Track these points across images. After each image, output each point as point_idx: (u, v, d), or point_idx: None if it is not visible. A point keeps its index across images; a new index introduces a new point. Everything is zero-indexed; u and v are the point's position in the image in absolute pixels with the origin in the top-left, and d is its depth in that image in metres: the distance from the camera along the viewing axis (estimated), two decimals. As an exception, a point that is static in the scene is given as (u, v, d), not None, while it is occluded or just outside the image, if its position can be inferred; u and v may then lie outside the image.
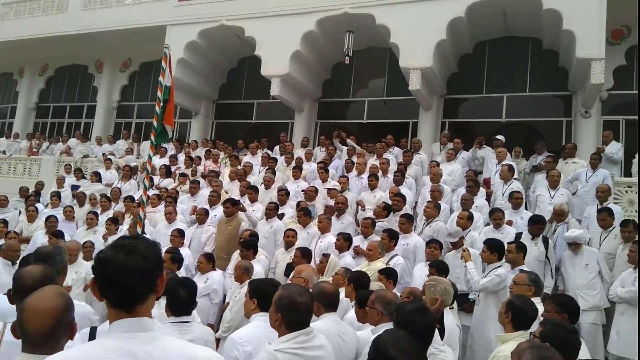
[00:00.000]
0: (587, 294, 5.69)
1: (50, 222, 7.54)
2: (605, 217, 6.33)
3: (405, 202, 7.28)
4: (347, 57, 10.93)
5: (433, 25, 9.86)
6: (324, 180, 8.49)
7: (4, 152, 14.93)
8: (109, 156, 12.17)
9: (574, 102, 10.64)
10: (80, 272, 5.51)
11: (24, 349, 1.72)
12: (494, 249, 5.16)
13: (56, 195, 9.61)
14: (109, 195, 9.20)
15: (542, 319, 3.42)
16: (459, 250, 5.62)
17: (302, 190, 8.10)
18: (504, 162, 8.24)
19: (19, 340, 1.73)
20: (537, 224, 6.18)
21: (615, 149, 8.56)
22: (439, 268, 4.82)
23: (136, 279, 1.45)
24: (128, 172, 10.49)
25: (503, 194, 7.67)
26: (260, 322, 2.89)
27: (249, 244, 5.67)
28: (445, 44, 10.12)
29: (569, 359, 2.63)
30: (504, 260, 5.21)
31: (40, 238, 7.19)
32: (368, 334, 3.14)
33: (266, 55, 11.39)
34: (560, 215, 6.63)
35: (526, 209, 7.54)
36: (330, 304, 3.13)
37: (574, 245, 5.82)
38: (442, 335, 3.12)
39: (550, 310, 3.44)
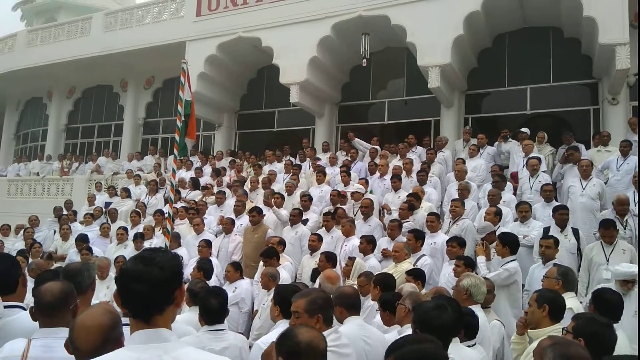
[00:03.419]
0: None
1: (79, 244, 7.61)
2: (612, 232, 5.40)
3: (420, 201, 7.17)
4: (364, 60, 10.91)
5: (449, 21, 9.76)
6: (346, 184, 8.47)
7: (37, 174, 15.44)
8: (137, 172, 12.44)
9: (600, 89, 10.35)
10: (110, 287, 5.64)
11: None
12: (505, 243, 5.07)
13: (89, 214, 9.89)
14: (137, 210, 9.41)
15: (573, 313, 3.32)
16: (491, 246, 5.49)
17: (331, 195, 8.07)
18: (531, 155, 8.06)
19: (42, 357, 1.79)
20: (558, 211, 5.96)
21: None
22: (465, 263, 4.75)
23: (151, 288, 1.48)
24: (154, 187, 10.70)
25: (531, 188, 7.50)
26: (284, 328, 2.91)
27: (270, 253, 5.66)
28: (463, 39, 10.00)
29: (604, 354, 2.54)
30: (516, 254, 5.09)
31: (74, 256, 7.38)
32: (395, 335, 3.11)
33: (284, 63, 11.48)
34: (622, 204, 6.09)
35: (556, 200, 7.33)
36: (352, 306, 3.11)
37: (630, 284, 4.33)
38: (473, 334, 3.06)
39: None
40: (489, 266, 5.24)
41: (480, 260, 5.14)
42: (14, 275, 2.62)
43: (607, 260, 5.35)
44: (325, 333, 2.45)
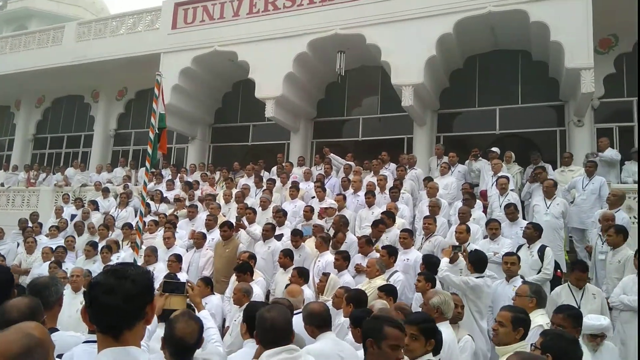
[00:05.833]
0: None
1: (57, 253, 7.50)
2: (586, 276, 5.25)
3: (394, 221, 7.23)
4: (339, 77, 11.03)
5: (422, 42, 9.97)
6: (321, 199, 8.48)
7: (2, 185, 14.94)
8: (106, 184, 12.17)
9: (567, 111, 10.71)
10: (84, 302, 5.47)
11: None
12: (471, 262, 5.16)
13: (55, 226, 9.61)
14: (105, 223, 9.19)
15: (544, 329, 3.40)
16: (457, 263, 5.56)
17: (304, 211, 8.05)
18: (500, 174, 8.26)
19: None
20: (526, 227, 6.18)
21: (611, 155, 8.61)
22: (426, 278, 4.84)
23: (122, 302, 1.45)
24: (125, 199, 10.49)
25: (500, 206, 7.67)
26: (249, 348, 2.90)
27: (244, 268, 5.61)
28: (436, 60, 10.23)
29: (571, 369, 2.60)
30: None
31: (42, 269, 7.15)
32: (366, 352, 3.10)
33: (260, 78, 11.50)
34: (608, 220, 6.25)
35: (524, 219, 7.52)
36: (321, 323, 3.09)
37: (599, 339, 4.00)
38: (437, 350, 3.07)
39: (567, 326, 3.38)
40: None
41: (444, 261, 5.26)
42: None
43: (579, 306, 4.95)
44: (273, 351, 2.43)
